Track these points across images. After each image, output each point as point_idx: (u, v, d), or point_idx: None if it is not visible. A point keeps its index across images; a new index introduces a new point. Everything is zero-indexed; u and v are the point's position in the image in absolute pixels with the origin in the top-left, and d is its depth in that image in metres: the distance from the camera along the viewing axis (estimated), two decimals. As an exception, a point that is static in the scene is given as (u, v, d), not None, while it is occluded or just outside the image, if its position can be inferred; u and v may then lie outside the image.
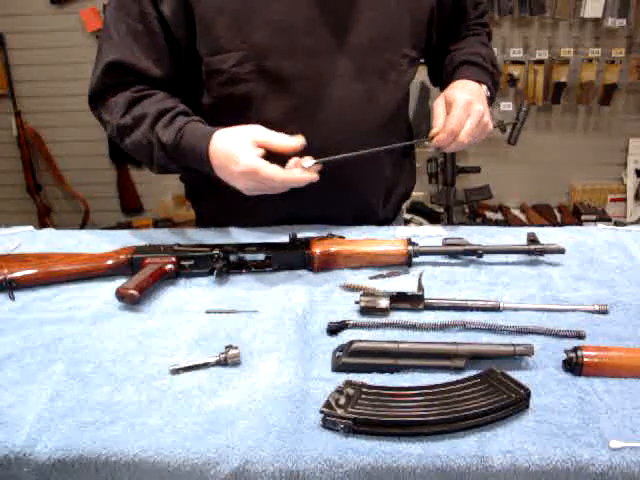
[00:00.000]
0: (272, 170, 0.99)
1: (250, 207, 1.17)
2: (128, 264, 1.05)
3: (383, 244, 1.07)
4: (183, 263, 1.05)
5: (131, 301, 0.96)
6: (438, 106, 1.17)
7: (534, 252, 1.07)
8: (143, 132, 1.11)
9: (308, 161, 1.02)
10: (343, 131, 1.18)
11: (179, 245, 1.08)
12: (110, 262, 1.05)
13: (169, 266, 1.04)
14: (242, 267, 1.07)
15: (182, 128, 1.08)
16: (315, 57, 1.14)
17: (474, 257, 1.08)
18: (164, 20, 1.11)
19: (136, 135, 1.12)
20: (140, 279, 0.99)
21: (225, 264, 1.04)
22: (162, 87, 1.16)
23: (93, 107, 1.20)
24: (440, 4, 1.24)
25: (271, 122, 1.08)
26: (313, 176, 1.02)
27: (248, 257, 1.07)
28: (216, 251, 1.05)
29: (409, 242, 1.07)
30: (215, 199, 1.29)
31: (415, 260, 1.07)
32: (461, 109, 1.11)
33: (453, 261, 1.09)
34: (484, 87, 1.22)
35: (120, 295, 0.97)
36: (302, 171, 1.01)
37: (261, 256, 1.07)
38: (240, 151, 1.01)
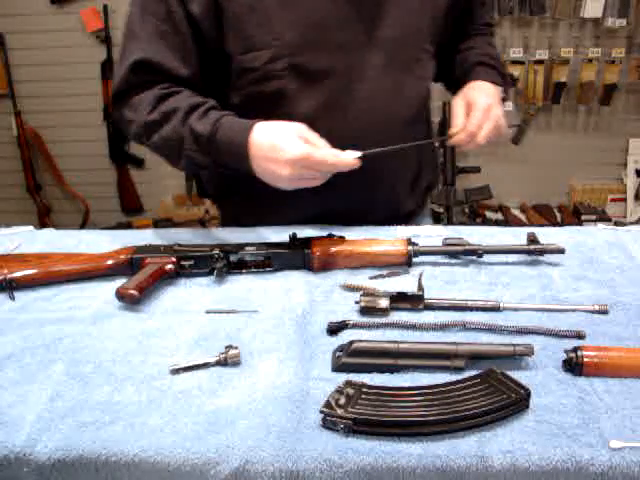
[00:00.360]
0: (324, 153, 1.02)
1: (278, 205, 1.19)
2: (128, 264, 1.05)
3: (383, 244, 1.07)
4: (183, 263, 1.05)
5: (131, 301, 0.96)
6: (458, 106, 1.21)
7: (534, 252, 1.07)
8: (173, 126, 1.11)
9: (351, 153, 1.04)
10: (373, 124, 1.20)
11: (179, 245, 1.08)
12: (110, 262, 1.05)
13: (169, 266, 1.04)
14: (242, 267, 1.07)
15: (218, 120, 1.08)
16: (346, 52, 1.16)
17: (474, 257, 1.08)
18: (192, 19, 1.11)
19: (165, 130, 1.12)
20: (140, 279, 0.99)
21: (225, 264, 1.04)
22: (188, 87, 1.16)
23: (116, 106, 1.20)
24: (453, 2, 1.26)
25: (303, 117, 1.10)
26: (358, 162, 1.04)
27: (248, 257, 1.07)
28: (216, 251, 1.05)
29: (409, 242, 1.07)
30: (243, 198, 1.29)
31: (415, 260, 1.07)
32: (481, 112, 1.16)
33: (453, 261, 1.09)
34: (499, 89, 1.26)
35: (120, 295, 0.97)
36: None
37: (261, 256, 1.07)
38: (287, 141, 1.02)
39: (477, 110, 1.16)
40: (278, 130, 1.05)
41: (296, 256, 1.06)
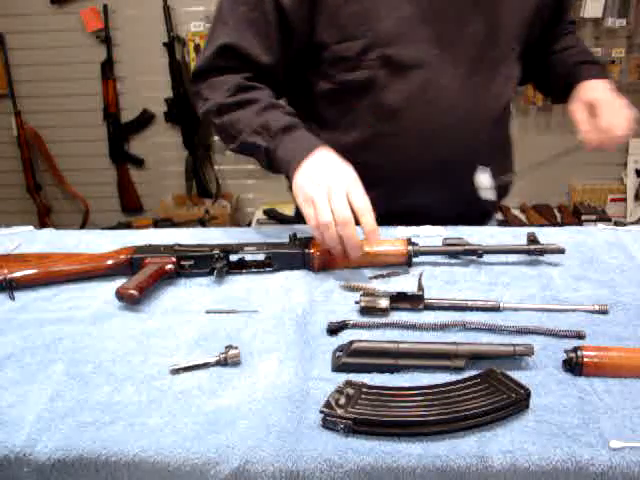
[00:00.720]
0: (365, 198, 0.99)
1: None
2: (128, 264, 1.05)
3: (383, 244, 1.07)
4: (183, 263, 1.05)
5: (131, 301, 0.96)
6: (579, 111, 1.22)
7: (534, 252, 1.07)
8: (247, 113, 1.13)
9: (484, 173, 1.06)
10: (458, 119, 1.21)
11: (179, 245, 1.08)
12: (110, 262, 1.05)
13: (169, 266, 1.04)
14: (242, 267, 1.07)
15: (300, 123, 1.11)
16: (437, 46, 1.17)
17: (474, 257, 1.08)
18: (281, 10, 1.14)
19: (237, 115, 1.15)
20: (140, 279, 0.99)
21: (225, 264, 1.04)
22: (269, 75, 1.20)
23: (195, 82, 1.24)
24: (544, 2, 1.26)
25: (389, 108, 1.14)
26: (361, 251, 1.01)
27: (248, 257, 1.07)
28: (216, 251, 1.05)
29: (409, 242, 1.07)
30: None
31: (415, 260, 1.07)
32: (608, 107, 1.18)
33: (453, 261, 1.09)
34: (611, 82, 1.27)
35: (120, 295, 0.97)
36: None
37: (261, 256, 1.07)
38: (350, 168, 1.04)
39: (603, 106, 1.17)
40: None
41: (296, 256, 1.06)
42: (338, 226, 0.97)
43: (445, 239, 1.09)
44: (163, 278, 1.03)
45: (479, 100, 1.23)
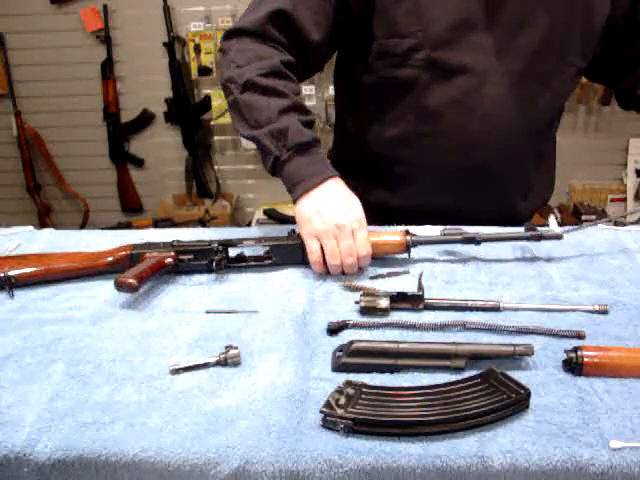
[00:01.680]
0: (367, 243, 1.02)
1: (384, 195, 1.23)
2: (128, 259, 1.04)
3: (381, 235, 1.07)
4: (182, 257, 1.05)
5: (129, 290, 0.96)
6: None
7: (532, 238, 1.06)
8: (270, 107, 1.08)
9: (553, 218, 1.06)
10: (498, 130, 1.21)
11: (178, 241, 1.08)
12: (110, 259, 1.05)
13: (169, 260, 1.03)
14: (241, 261, 1.07)
15: (314, 133, 1.09)
16: (484, 54, 1.17)
17: (472, 245, 1.06)
18: None
19: (258, 101, 1.09)
20: (139, 269, 0.99)
21: (224, 257, 1.04)
22: (311, 54, 1.19)
23: (229, 38, 1.18)
24: (611, 16, 1.21)
25: (430, 110, 1.14)
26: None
27: (247, 252, 1.07)
28: (215, 244, 1.05)
29: (407, 232, 1.07)
30: (352, 186, 1.26)
31: (415, 258, 1.07)
32: None
33: (453, 258, 1.09)
34: None
35: (119, 284, 0.96)
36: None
37: (260, 251, 1.07)
38: (358, 204, 1.05)
39: None
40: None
41: (295, 249, 1.06)
42: (344, 267, 1.02)
43: (443, 229, 1.09)
44: (162, 272, 1.03)
45: (523, 112, 1.21)
